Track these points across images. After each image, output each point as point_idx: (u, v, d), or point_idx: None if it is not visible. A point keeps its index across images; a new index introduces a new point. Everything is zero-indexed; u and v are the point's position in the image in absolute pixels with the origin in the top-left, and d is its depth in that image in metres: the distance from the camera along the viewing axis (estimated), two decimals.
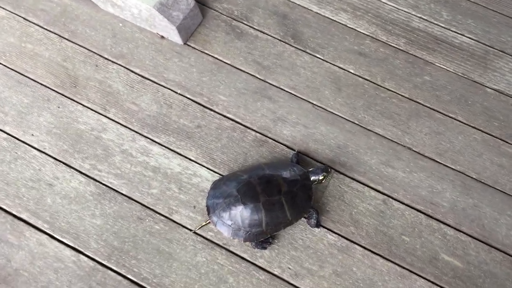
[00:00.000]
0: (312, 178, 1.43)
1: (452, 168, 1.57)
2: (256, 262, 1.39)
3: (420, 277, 1.40)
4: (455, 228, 1.48)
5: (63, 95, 1.59)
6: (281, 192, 1.35)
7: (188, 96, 1.63)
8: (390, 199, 1.50)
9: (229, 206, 1.34)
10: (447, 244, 1.45)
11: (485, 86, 1.74)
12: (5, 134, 1.51)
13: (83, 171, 1.47)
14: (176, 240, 1.39)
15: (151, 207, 1.44)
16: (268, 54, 1.74)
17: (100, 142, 1.52)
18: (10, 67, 1.63)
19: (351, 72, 1.73)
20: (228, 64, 1.71)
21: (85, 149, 1.51)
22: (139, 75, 1.65)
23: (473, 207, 1.51)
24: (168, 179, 1.48)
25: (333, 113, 1.64)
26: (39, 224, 1.39)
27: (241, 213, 1.33)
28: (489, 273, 1.41)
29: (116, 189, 1.46)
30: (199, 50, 1.72)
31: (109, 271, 1.34)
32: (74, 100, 1.59)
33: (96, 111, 1.57)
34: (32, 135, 1.51)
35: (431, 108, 1.68)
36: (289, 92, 1.67)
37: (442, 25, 1.87)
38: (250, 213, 1.33)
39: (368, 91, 1.70)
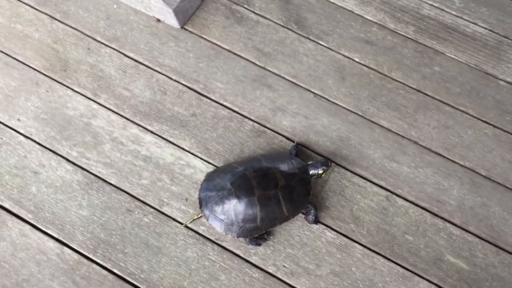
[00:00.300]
0: (311, 171, 1.35)
1: (461, 164, 1.49)
2: (250, 259, 1.31)
3: (423, 279, 1.32)
4: (461, 228, 1.39)
5: (52, 78, 1.52)
6: (277, 186, 1.28)
7: (184, 83, 1.55)
8: (394, 196, 1.42)
9: (222, 200, 1.27)
10: (453, 244, 1.37)
11: (498, 79, 1.65)
12: None
13: (71, 159, 1.40)
14: (166, 234, 1.32)
15: (141, 198, 1.37)
16: (269, 40, 1.65)
17: (90, 129, 1.45)
18: None
19: (356, 61, 1.65)
20: (226, 50, 1.62)
21: (73, 136, 1.43)
22: (132, 59, 1.58)
23: (481, 206, 1.43)
24: (160, 170, 1.41)
25: (336, 104, 1.56)
26: (22, 213, 1.32)
27: (234, 207, 1.26)
28: (496, 277, 1.33)
29: (105, 178, 1.38)
30: (196, 35, 1.64)
31: (94, 265, 1.28)
32: (63, 85, 1.52)
33: (86, 96, 1.50)
34: (19, 120, 1.44)
35: (440, 101, 1.59)
36: (290, 81, 1.59)
37: (454, 13, 1.77)
38: (244, 208, 1.26)
39: (373, 81, 1.61)
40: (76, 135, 1.44)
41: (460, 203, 1.43)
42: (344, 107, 1.56)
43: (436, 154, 1.50)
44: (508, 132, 1.54)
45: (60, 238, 1.30)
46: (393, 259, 1.34)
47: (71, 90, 1.51)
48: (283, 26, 1.68)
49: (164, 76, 1.56)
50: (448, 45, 1.70)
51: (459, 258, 1.35)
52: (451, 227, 1.39)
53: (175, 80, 1.55)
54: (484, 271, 1.34)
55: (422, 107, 1.58)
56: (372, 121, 1.54)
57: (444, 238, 1.38)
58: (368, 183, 1.44)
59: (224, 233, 1.29)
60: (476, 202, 1.43)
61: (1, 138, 1.41)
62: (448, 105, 1.59)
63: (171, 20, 1.62)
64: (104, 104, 1.49)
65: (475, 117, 1.57)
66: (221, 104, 1.53)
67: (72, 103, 1.48)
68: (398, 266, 1.33)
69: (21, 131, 1.43)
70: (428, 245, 1.36)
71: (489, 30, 1.75)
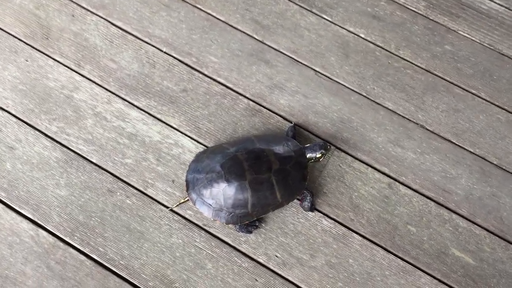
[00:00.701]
0: (308, 155, 1.25)
1: (470, 151, 1.38)
2: (239, 248, 1.22)
3: (426, 273, 1.23)
4: (468, 220, 1.30)
5: (32, 47, 1.41)
6: (271, 170, 1.18)
7: (175, 56, 1.44)
8: (397, 183, 1.32)
9: (210, 183, 1.17)
10: (459, 237, 1.27)
11: None
12: None
13: (50, 134, 1.30)
14: (149, 218, 1.23)
15: (124, 179, 1.27)
16: (268, 12, 1.53)
17: (71, 103, 1.34)
18: None
19: (361, 37, 1.53)
20: (222, 21, 1.51)
21: (53, 109, 1.33)
22: (120, 28, 1.46)
23: (491, 196, 1.33)
24: (146, 148, 1.31)
25: (338, 83, 1.45)
26: None
27: (224, 192, 1.16)
28: (504, 273, 1.24)
29: (86, 156, 1.28)
30: (190, 4, 1.52)
31: (71, 249, 1.18)
32: (44, 54, 1.41)
33: (68, 67, 1.39)
34: None
35: (450, 82, 1.48)
36: (290, 57, 1.47)
37: None
38: (234, 192, 1.16)
39: (379, 59, 1.49)
40: (56, 109, 1.33)
41: (468, 193, 1.33)
42: (346, 87, 1.45)
43: (444, 140, 1.40)
44: None
45: (35, 219, 1.21)
46: (394, 252, 1.25)
47: (53, 60, 1.40)
48: None
49: (153, 48, 1.44)
50: (461, 23, 1.58)
51: (465, 252, 1.26)
52: (458, 219, 1.30)
53: (165, 53, 1.44)
54: (491, 266, 1.25)
55: (431, 89, 1.46)
56: (377, 102, 1.43)
57: (449, 230, 1.28)
58: (370, 169, 1.34)
59: (212, 219, 1.20)
60: (485, 193, 1.33)
61: None
62: (459, 87, 1.48)
63: None
64: (87, 76, 1.39)
65: (487, 100, 1.46)
66: (214, 80, 1.42)
67: (53, 74, 1.38)
68: (398, 259, 1.24)
69: None
70: (432, 237, 1.27)
71: (506, 7, 1.63)
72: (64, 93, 1.35)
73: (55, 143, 1.29)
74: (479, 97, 1.47)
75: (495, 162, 1.38)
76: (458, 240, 1.27)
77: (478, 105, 1.45)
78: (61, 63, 1.40)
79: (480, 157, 1.38)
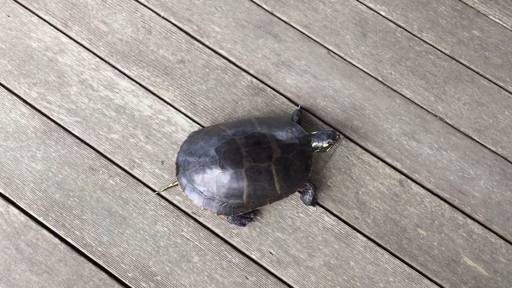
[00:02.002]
0: (314, 144, 1.12)
1: (492, 150, 1.26)
2: (231, 241, 1.11)
3: (433, 282, 1.12)
4: (484, 226, 1.18)
5: (16, 1, 1.27)
6: (271, 158, 1.05)
7: (174, 22, 1.30)
8: (409, 181, 1.20)
9: (203, 168, 1.05)
10: (473, 245, 1.15)
11: None
12: None
13: (28, 101, 1.17)
14: (133, 201, 1.11)
15: (108, 156, 1.14)
16: None
17: (55, 67, 1.21)
18: None
19: (382, 15, 1.38)
20: None
21: (34, 72, 1.20)
22: None
23: (511, 202, 1.21)
24: (134, 124, 1.18)
25: (353, 64, 1.31)
26: None
27: (217, 179, 1.04)
28: None
29: (67, 127, 1.16)
30: None
31: (44, 231, 1.07)
32: (28, 9, 1.26)
33: (54, 27, 1.25)
34: None
35: (475, 72, 1.34)
36: (301, 31, 1.33)
37: None
38: (228, 180, 1.04)
39: (400, 41, 1.35)
40: (37, 72, 1.20)
41: (487, 196, 1.21)
42: (361, 69, 1.30)
43: (465, 136, 1.26)
44: None
45: (6, 194, 1.09)
46: (400, 256, 1.13)
47: (37, 17, 1.25)
48: None
49: (150, 11, 1.30)
50: (493, 6, 1.43)
51: (478, 262, 1.14)
52: (473, 224, 1.18)
53: (163, 18, 1.30)
54: (505, 279, 1.13)
55: (454, 78, 1.32)
56: (393, 89, 1.29)
57: (462, 237, 1.16)
58: (381, 162, 1.21)
59: (202, 208, 1.08)
60: (505, 197, 1.21)
61: None
62: (485, 78, 1.34)
63: None
64: (75, 38, 1.25)
65: None
66: (216, 52, 1.28)
67: (36, 33, 1.23)
68: (404, 265, 1.12)
69: None
70: (443, 243, 1.15)
71: None
72: (47, 55, 1.22)
73: (34, 110, 1.16)
74: (506, 90, 1.33)
75: None
76: (471, 248, 1.16)
77: (505, 100, 1.32)
78: (46, 21, 1.25)
79: (503, 157, 1.25)
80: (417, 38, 1.36)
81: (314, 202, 1.14)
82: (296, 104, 1.25)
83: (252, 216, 1.12)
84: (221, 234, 1.11)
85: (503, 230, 1.18)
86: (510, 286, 1.13)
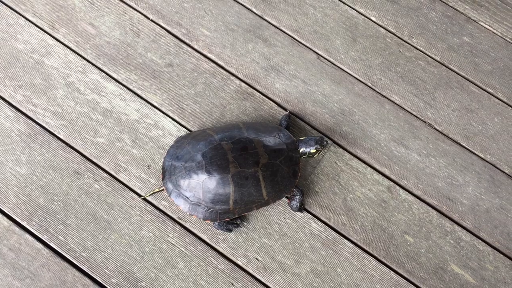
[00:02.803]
0: (302, 149, 1.11)
1: (481, 157, 1.25)
2: (217, 247, 1.09)
3: None
4: (472, 233, 1.17)
5: (2, 2, 1.26)
6: (258, 164, 1.04)
7: (162, 25, 1.28)
8: (397, 187, 1.19)
9: (189, 173, 1.04)
10: (460, 252, 1.15)
11: None
12: None
13: (13, 103, 1.16)
14: (119, 206, 1.10)
15: (94, 160, 1.13)
16: None
17: (41, 69, 1.19)
18: None
19: (372, 20, 1.37)
20: None
21: (20, 75, 1.18)
22: None
23: (499, 209, 1.20)
24: (121, 127, 1.16)
25: (342, 70, 1.30)
26: None
27: (203, 184, 1.03)
28: None
29: (53, 131, 1.14)
30: None
31: (27, 235, 1.05)
32: (15, 11, 1.25)
33: (41, 29, 1.24)
34: None
35: (465, 78, 1.34)
36: (291, 36, 1.32)
37: None
38: (215, 186, 1.02)
39: (390, 46, 1.34)
40: (23, 75, 1.18)
41: (475, 203, 1.20)
42: (351, 75, 1.30)
43: (453, 142, 1.26)
44: None
45: None
46: (387, 263, 1.12)
47: (24, 19, 1.24)
48: None
49: (139, 14, 1.29)
50: (483, 12, 1.43)
51: (465, 269, 1.14)
52: (460, 231, 1.17)
53: (152, 21, 1.28)
54: (493, 287, 1.13)
55: (444, 84, 1.32)
56: (383, 95, 1.29)
57: (450, 244, 1.16)
58: (369, 168, 1.20)
59: (188, 213, 1.07)
60: (494, 204, 1.21)
61: None
62: (475, 84, 1.33)
63: None
64: (62, 40, 1.23)
65: (504, 102, 1.32)
66: (205, 56, 1.27)
67: (23, 35, 1.22)
68: (391, 272, 1.12)
69: None
70: (431, 250, 1.14)
71: None
72: (34, 57, 1.20)
73: (19, 113, 1.15)
74: (495, 97, 1.33)
75: (507, 171, 1.25)
76: (459, 255, 1.15)
77: (494, 106, 1.31)
78: (33, 23, 1.24)
79: (491, 164, 1.25)
80: (407, 44, 1.36)
81: (302, 208, 1.13)
82: (285, 109, 1.24)
83: (238, 222, 1.11)
84: (207, 240, 1.10)
85: (491, 238, 1.18)
86: None
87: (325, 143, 1.12)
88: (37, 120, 1.15)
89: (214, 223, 1.09)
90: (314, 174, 1.18)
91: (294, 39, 1.32)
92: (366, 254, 1.13)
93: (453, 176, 1.22)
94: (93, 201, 1.09)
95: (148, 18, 1.29)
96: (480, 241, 1.17)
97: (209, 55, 1.27)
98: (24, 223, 1.06)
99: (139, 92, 1.21)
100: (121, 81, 1.21)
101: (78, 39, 1.24)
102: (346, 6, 1.38)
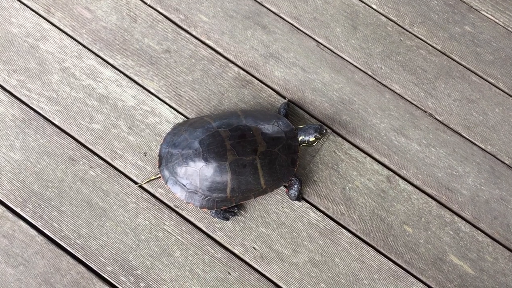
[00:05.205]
0: (301, 138, 1.09)
1: (481, 148, 1.24)
2: (213, 235, 1.08)
3: (419, 280, 1.10)
4: (472, 224, 1.16)
5: None
6: (256, 152, 1.03)
7: (160, 10, 1.26)
8: (397, 177, 1.18)
9: (186, 161, 1.02)
10: (459, 243, 1.14)
11: None
12: None
13: (8, 88, 1.14)
14: (114, 193, 1.08)
15: (89, 146, 1.11)
16: None
17: (36, 54, 1.17)
18: None
19: (373, 8, 1.35)
20: None
21: (14, 59, 1.16)
22: None
23: (499, 200, 1.19)
24: (117, 114, 1.15)
25: (342, 58, 1.28)
26: None
27: (200, 172, 1.01)
28: (505, 287, 1.11)
29: (47, 116, 1.12)
30: None
31: (21, 222, 1.04)
32: None
33: (36, 12, 1.21)
34: None
35: (466, 68, 1.32)
36: (290, 23, 1.30)
37: None
38: (212, 174, 1.01)
39: (391, 35, 1.33)
40: (18, 59, 1.16)
41: (474, 194, 1.19)
42: (351, 63, 1.28)
43: (454, 132, 1.25)
44: None
45: None
46: (386, 253, 1.11)
47: (19, 2, 1.22)
48: None
49: None
50: (486, 2, 1.41)
51: (464, 260, 1.13)
52: (460, 222, 1.16)
53: (149, 6, 1.26)
54: (491, 278, 1.12)
55: (445, 74, 1.30)
56: (383, 84, 1.27)
57: (449, 234, 1.14)
58: (368, 158, 1.19)
59: (185, 201, 1.05)
60: (494, 195, 1.19)
61: None
62: (476, 74, 1.32)
63: None
64: (57, 24, 1.21)
65: (505, 92, 1.31)
66: (203, 42, 1.25)
67: (17, 19, 1.20)
68: (390, 262, 1.11)
69: None
70: (430, 240, 1.13)
71: None
72: (28, 41, 1.18)
73: (13, 98, 1.13)
74: (497, 87, 1.31)
75: (507, 162, 1.23)
76: (458, 246, 1.14)
77: (495, 97, 1.30)
78: (28, 6, 1.22)
79: (492, 154, 1.24)
80: (408, 33, 1.34)
81: (300, 197, 1.12)
82: (284, 97, 1.22)
83: (235, 211, 1.09)
84: (203, 228, 1.08)
85: (490, 229, 1.17)
86: (496, 285, 1.12)
87: (324, 131, 1.10)
88: (31, 105, 1.13)
89: (211, 212, 1.08)
90: (313, 163, 1.16)
91: (294, 26, 1.30)
92: (365, 244, 1.12)
93: (453, 167, 1.21)
94: (88, 188, 1.08)
95: (146, 3, 1.26)
96: (479, 232, 1.16)
97: (207, 41, 1.25)
98: (18, 210, 1.05)
99: (135, 78, 1.19)
100: (117, 66, 1.19)
101: (74, 24, 1.21)
102: None
